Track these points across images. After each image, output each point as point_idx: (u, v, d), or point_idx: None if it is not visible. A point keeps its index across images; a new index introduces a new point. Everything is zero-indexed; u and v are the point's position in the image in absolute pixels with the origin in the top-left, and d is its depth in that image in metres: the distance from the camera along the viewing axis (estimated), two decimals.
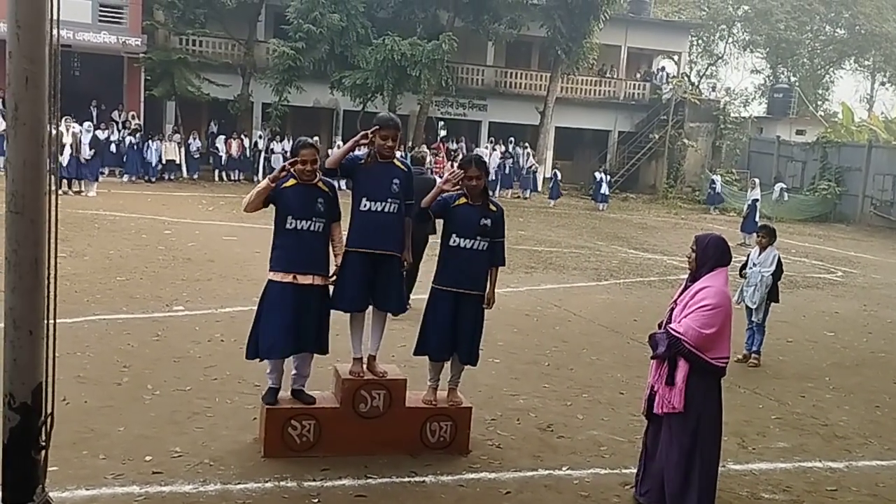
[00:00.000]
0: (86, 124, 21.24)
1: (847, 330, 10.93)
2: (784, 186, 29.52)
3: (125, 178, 23.99)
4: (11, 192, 3.23)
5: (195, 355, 7.36)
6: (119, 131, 24.88)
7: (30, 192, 3.24)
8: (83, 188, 19.80)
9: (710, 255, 4.72)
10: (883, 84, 47.22)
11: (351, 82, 27.03)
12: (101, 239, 13.42)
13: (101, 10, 26.36)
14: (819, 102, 45.19)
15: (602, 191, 27.45)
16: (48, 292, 3.36)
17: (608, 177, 28.62)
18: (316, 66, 27.04)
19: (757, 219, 20.47)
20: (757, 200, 20.59)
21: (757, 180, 22.58)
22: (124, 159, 24.29)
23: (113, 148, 24.20)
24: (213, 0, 26.84)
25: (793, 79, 44.74)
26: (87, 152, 19.70)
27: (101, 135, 24.53)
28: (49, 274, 3.33)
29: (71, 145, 19.05)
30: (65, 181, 18.97)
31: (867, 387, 8.18)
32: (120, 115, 26.32)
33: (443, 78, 27.85)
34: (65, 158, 18.55)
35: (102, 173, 22.15)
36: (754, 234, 19.51)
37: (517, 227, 20.21)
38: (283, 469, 5.03)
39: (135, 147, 24.27)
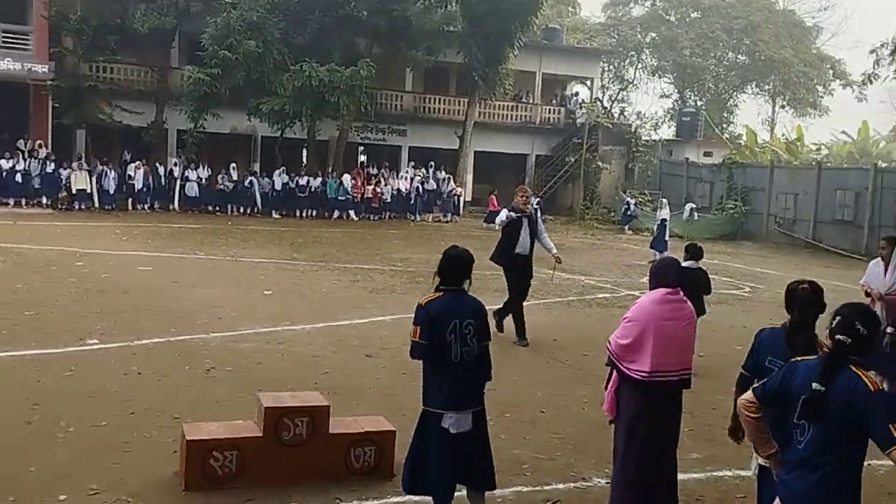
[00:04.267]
0: None
1: None
2: (694, 206, 30.67)
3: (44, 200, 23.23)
4: None
5: (111, 390, 7.17)
6: (25, 160, 24.08)
7: None
8: None
9: (652, 276, 5.06)
10: (783, 107, 49.46)
11: (269, 108, 26.81)
12: (8, 273, 12.92)
13: (3, 36, 25.50)
14: (724, 125, 47.07)
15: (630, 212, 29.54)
16: None
17: (633, 199, 30.52)
18: (232, 93, 26.72)
19: (667, 237, 21.26)
20: (665, 220, 21.37)
21: (665, 200, 23.42)
22: (36, 187, 23.63)
23: (19, 178, 23.43)
24: (125, 26, 26.35)
25: (699, 103, 46.56)
26: None
27: (6, 164, 23.76)
28: None
29: None
30: None
31: None
32: (26, 144, 25.41)
33: (362, 104, 27.93)
34: None
35: (7, 203, 21.37)
36: (665, 252, 20.44)
37: (437, 250, 20.36)
38: (205, 502, 4.95)
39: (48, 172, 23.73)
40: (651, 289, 4.99)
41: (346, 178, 27.97)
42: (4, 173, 23.78)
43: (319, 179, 27.89)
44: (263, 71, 26.80)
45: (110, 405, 6.72)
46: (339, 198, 27.69)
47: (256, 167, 30.42)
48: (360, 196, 28.17)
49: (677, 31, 46.12)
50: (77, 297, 11.36)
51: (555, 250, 10.81)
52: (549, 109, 36.72)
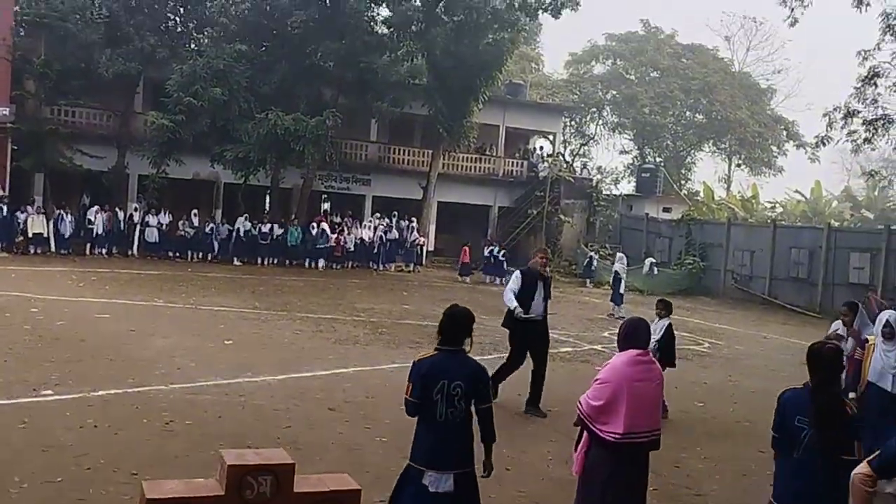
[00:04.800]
0: None
1: (715, 400, 11.53)
2: (653, 261, 31.13)
3: None
4: None
5: (66, 443, 6.97)
6: None
7: None
8: None
9: (622, 337, 5.07)
10: (738, 165, 50.81)
11: (233, 156, 26.78)
12: None
13: None
14: (683, 182, 48.15)
15: (593, 267, 29.87)
16: None
17: (595, 253, 30.98)
18: (196, 139, 26.65)
19: (622, 290, 21.53)
20: (619, 272, 21.66)
21: (621, 254, 23.76)
22: None
23: None
24: (89, 71, 26.23)
25: (658, 159, 47.66)
26: None
27: None
28: None
29: None
30: None
31: (736, 455, 8.62)
32: None
33: (327, 153, 28.07)
34: None
35: None
36: (623, 305, 20.68)
37: (400, 300, 20.36)
38: None
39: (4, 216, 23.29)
40: (621, 350, 5.03)
41: (325, 225, 28.00)
42: None
43: (282, 227, 27.78)
44: (228, 118, 26.84)
45: (65, 460, 6.52)
46: (318, 245, 27.61)
47: (218, 214, 30.23)
48: (326, 244, 28.10)
49: (637, 89, 47.36)
50: (31, 344, 11.08)
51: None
52: (512, 162, 37.22)
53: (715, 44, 59.24)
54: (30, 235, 23.84)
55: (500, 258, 28.67)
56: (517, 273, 9.88)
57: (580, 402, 4.98)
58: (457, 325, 4.81)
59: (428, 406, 4.67)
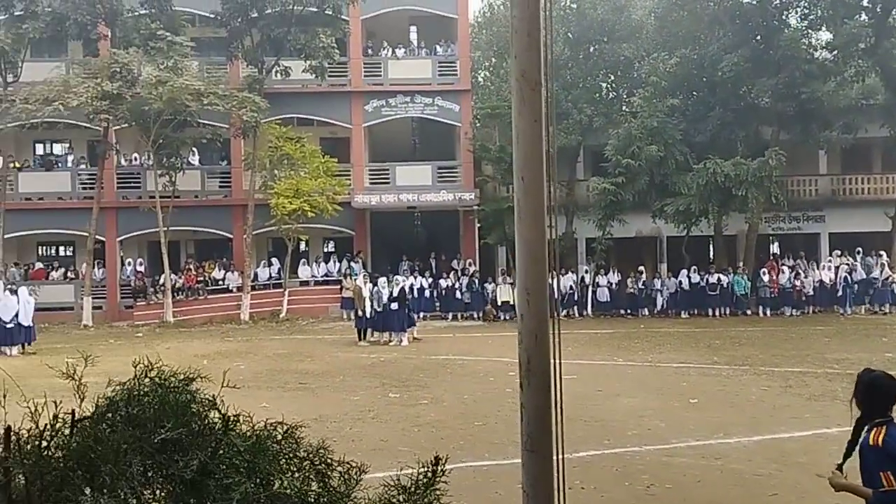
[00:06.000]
0: (381, 280, 21.29)
1: None
2: None
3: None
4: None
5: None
6: (458, 278, 27.09)
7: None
8: (391, 338, 20.50)
9: None
10: None
11: (673, 209, 26.88)
12: (455, 383, 14.37)
13: (439, 173, 29.50)
14: None
15: None
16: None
17: None
18: (636, 198, 27.39)
19: None
20: None
21: None
22: (466, 301, 26.51)
23: (458, 294, 26.54)
24: None
25: None
26: (379, 304, 20.46)
27: (444, 283, 27.03)
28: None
29: (370, 299, 20.41)
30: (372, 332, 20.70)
31: None
32: (458, 263, 28.68)
33: (772, 194, 26.59)
34: (368, 311, 20.31)
35: (445, 318, 24.21)
36: None
37: (882, 348, 18.04)
38: None
39: (473, 289, 26.43)
40: None
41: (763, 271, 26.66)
42: (444, 291, 26.97)
43: (729, 276, 26.89)
44: (666, 173, 27.14)
45: None
46: (763, 294, 26.37)
47: (663, 268, 30.41)
48: (776, 290, 26.47)
49: None
50: (515, 407, 12.12)
51: None
52: None
53: None
54: (498, 303, 26.55)
55: None
56: None
57: None
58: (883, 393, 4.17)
59: None
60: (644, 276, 27.89)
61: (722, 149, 27.17)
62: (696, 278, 27.10)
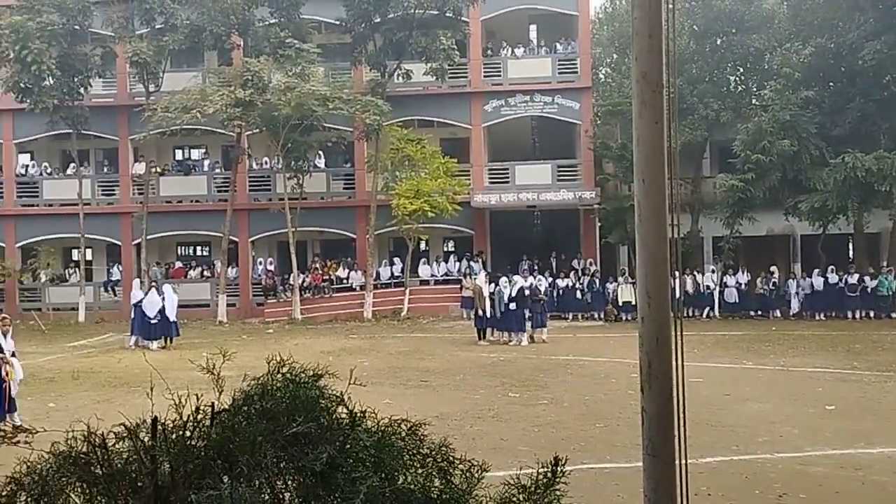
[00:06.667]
0: (502, 280, 20.95)
1: None
2: None
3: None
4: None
5: None
6: (579, 278, 26.77)
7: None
8: (511, 338, 20.30)
9: None
10: None
11: (808, 206, 25.61)
12: (575, 384, 14.23)
13: (559, 171, 29.27)
14: None
15: None
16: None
17: None
18: (767, 195, 26.25)
19: None
20: None
21: None
22: (588, 301, 26.16)
23: (579, 295, 26.26)
24: None
25: None
26: (500, 303, 20.22)
27: (561, 283, 26.79)
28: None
29: (489, 298, 20.30)
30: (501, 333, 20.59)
31: None
32: (579, 263, 28.34)
33: None
34: (488, 311, 20.20)
35: (565, 318, 24.01)
36: None
37: None
38: None
39: (594, 289, 26.08)
40: None
41: None
42: (563, 291, 26.68)
43: (872, 276, 25.32)
44: (800, 168, 25.93)
45: None
46: None
47: (797, 268, 29.02)
48: None
49: None
50: (637, 409, 11.87)
51: None
52: None
53: None
54: (619, 303, 26.06)
55: None
56: None
57: None
58: None
59: None
60: (776, 275, 26.65)
61: (862, 142, 25.63)
62: (833, 278, 25.67)
